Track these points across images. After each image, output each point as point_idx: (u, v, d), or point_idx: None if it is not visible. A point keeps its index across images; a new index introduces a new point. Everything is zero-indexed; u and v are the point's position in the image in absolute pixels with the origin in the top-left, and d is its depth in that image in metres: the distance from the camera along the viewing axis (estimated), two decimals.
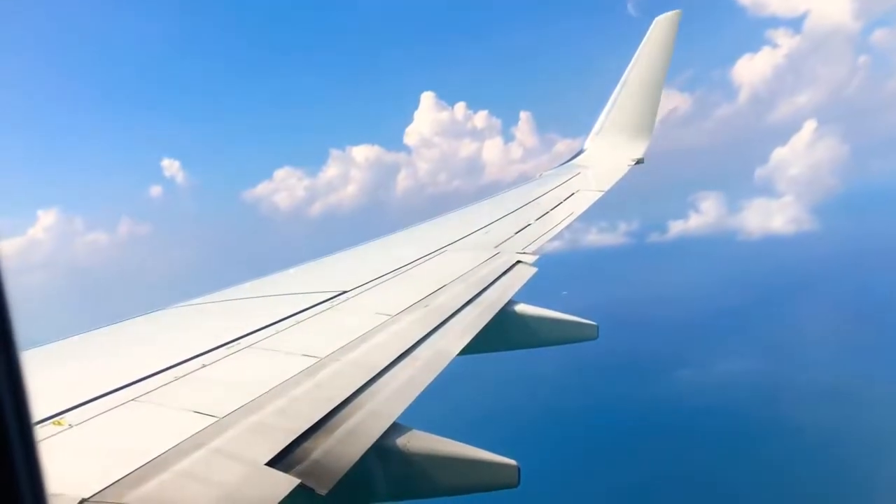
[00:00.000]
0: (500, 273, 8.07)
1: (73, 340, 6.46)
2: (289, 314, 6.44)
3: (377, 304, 6.79)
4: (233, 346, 5.57)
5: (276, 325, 6.15)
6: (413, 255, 8.99)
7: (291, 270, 9.29)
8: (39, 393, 4.72)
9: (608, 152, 16.23)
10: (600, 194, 13.20)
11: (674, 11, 16.01)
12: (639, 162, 15.50)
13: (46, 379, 5.34)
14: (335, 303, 6.88)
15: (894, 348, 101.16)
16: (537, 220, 11.17)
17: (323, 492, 3.63)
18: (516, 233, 10.28)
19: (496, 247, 9.40)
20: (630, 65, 16.32)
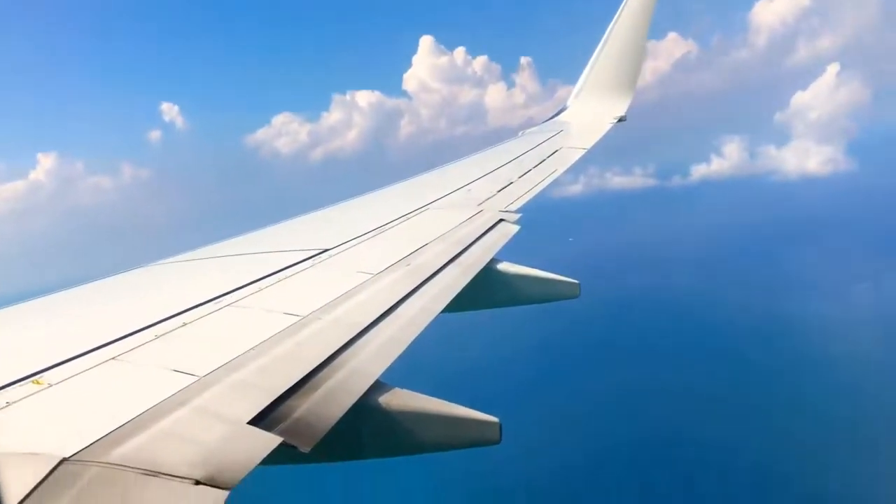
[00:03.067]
0: (482, 232, 8.05)
1: (52, 298, 6.38)
2: (270, 272, 6.40)
3: (359, 263, 6.76)
4: (214, 304, 5.53)
5: (258, 282, 6.11)
6: (395, 213, 8.94)
7: (273, 227, 9.22)
8: (18, 351, 4.68)
9: (591, 110, 16.15)
10: (583, 152, 13.16)
11: None
12: (621, 120, 15.44)
13: (26, 337, 5.29)
14: (317, 261, 6.84)
15: None
16: (520, 177, 11.12)
17: (306, 449, 3.64)
18: (499, 191, 10.24)
19: (479, 205, 9.37)
20: (612, 22, 16.15)
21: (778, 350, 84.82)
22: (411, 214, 8.95)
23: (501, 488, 59.59)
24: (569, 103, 16.76)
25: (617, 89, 16.18)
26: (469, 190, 10.42)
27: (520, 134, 15.80)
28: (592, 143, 13.77)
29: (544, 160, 12.31)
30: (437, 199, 9.84)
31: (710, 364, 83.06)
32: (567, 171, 11.93)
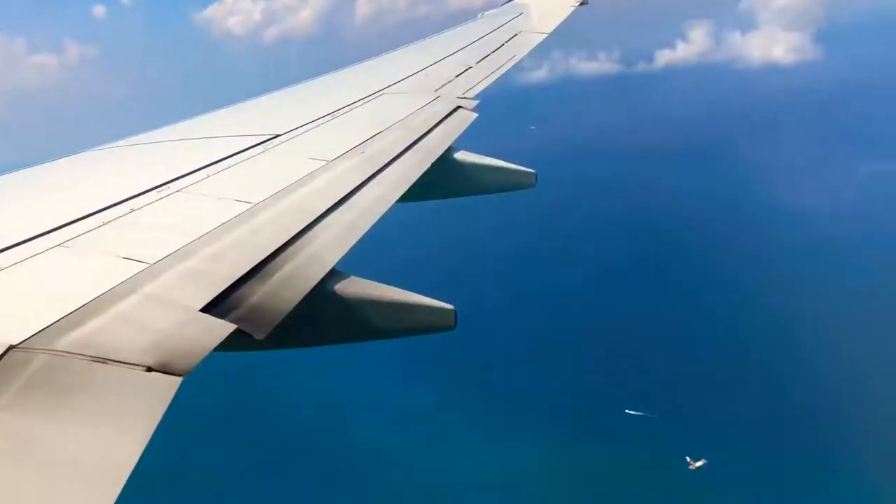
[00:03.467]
0: (439, 119, 7.90)
1: None
2: (220, 157, 6.22)
3: (312, 149, 6.60)
4: (163, 191, 5.37)
5: (208, 168, 5.94)
6: (349, 98, 8.68)
7: (223, 111, 8.91)
8: None
9: None
10: (543, 36, 12.84)
11: None
12: (583, 3, 15.04)
13: None
14: (268, 147, 6.66)
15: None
16: (478, 63, 10.85)
17: (260, 336, 3.64)
18: (457, 76, 10.00)
19: (436, 91, 9.15)
20: None
21: (732, 239, 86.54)
22: (366, 100, 8.72)
23: (452, 379, 61.51)
24: None
25: None
26: (426, 75, 10.15)
27: (479, 16, 15.31)
28: (553, 27, 13.42)
29: (504, 45, 11.99)
30: (392, 84, 9.57)
31: (662, 251, 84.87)
32: (527, 57, 11.67)
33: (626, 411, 55.09)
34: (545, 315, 73.66)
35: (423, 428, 55.65)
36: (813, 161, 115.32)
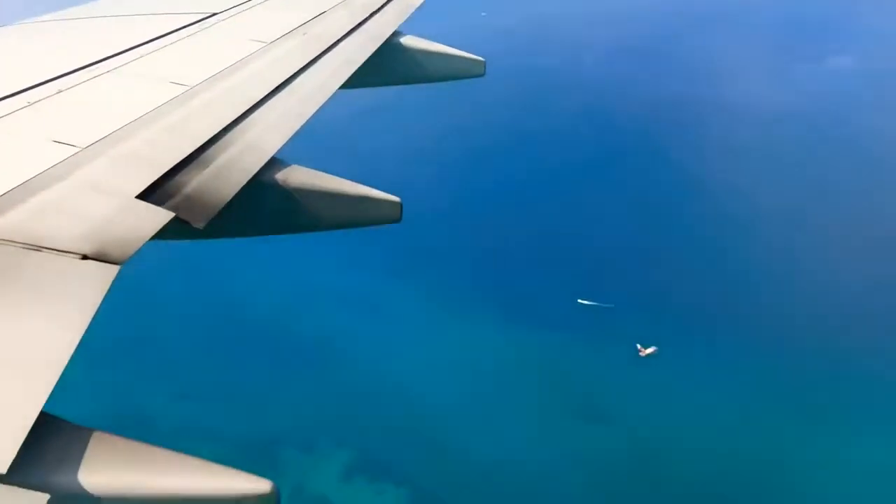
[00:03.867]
0: (384, 1, 7.61)
1: None
2: (154, 36, 5.89)
3: (251, 30, 6.31)
4: (92, 70, 5.09)
5: (140, 48, 5.63)
6: None
7: None
8: None
9: None
10: None
11: None
12: None
13: None
14: (204, 26, 6.33)
15: None
16: None
17: (199, 225, 3.58)
18: None
19: None
20: None
21: (690, 130, 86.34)
22: None
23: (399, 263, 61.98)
24: None
25: None
26: None
27: None
28: None
29: None
30: None
31: (618, 143, 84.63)
32: None
33: (579, 301, 56.46)
34: (494, 209, 73.93)
35: (373, 317, 56.40)
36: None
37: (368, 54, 6.19)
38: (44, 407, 2.33)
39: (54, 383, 2.35)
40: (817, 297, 55.79)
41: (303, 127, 4.74)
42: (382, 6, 7.45)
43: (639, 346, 50.55)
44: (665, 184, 75.54)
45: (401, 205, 4.70)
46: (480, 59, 7.77)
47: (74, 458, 2.60)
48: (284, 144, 4.48)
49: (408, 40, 7.28)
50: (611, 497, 39.98)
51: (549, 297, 59.29)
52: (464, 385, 48.47)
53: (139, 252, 3.21)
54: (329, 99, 5.19)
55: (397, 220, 4.73)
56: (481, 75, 7.79)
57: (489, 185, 79.02)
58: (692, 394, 46.63)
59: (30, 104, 4.45)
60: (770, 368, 48.28)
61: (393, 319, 56.56)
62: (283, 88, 5.14)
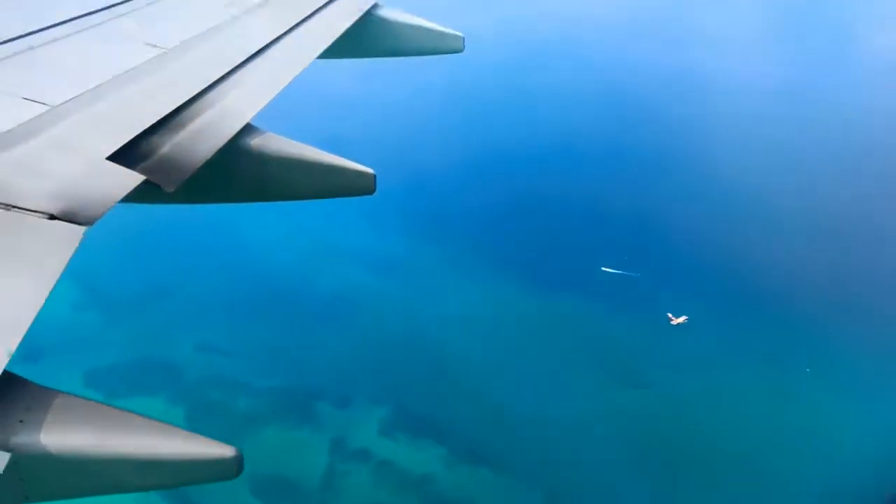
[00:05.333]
0: None
1: None
2: None
3: None
4: (65, 28, 4.98)
5: (115, 8, 5.52)
6: None
7: None
8: None
9: None
10: None
11: None
12: None
13: None
14: None
15: None
16: None
17: (170, 189, 3.55)
18: None
19: None
20: None
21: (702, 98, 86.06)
22: None
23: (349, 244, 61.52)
24: None
25: None
26: None
27: None
28: None
29: None
30: None
31: (630, 115, 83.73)
32: None
33: (603, 269, 56.18)
34: (498, 179, 73.04)
35: (398, 277, 55.82)
36: None
37: (347, 25, 6.15)
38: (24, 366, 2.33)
39: (18, 342, 2.34)
40: (846, 268, 56.22)
41: (279, 94, 4.71)
42: None
43: (670, 314, 50.61)
44: (684, 156, 74.67)
45: (374, 176, 4.70)
46: (459, 34, 7.75)
47: (37, 419, 2.60)
48: (260, 111, 4.45)
49: (388, 13, 7.24)
50: (644, 455, 40.38)
51: (574, 264, 58.90)
52: (495, 343, 48.16)
53: (111, 213, 3.19)
54: (307, 68, 5.15)
55: (371, 191, 4.73)
56: (460, 51, 7.77)
57: (506, 152, 77.82)
58: (725, 361, 47.07)
59: (0, 60, 4.35)
60: (798, 339, 48.75)
61: (419, 280, 55.88)
62: (260, 55, 5.09)
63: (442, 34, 7.70)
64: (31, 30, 4.83)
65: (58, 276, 2.71)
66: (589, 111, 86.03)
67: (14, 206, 2.99)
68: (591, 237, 63.19)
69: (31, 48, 4.59)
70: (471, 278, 56.65)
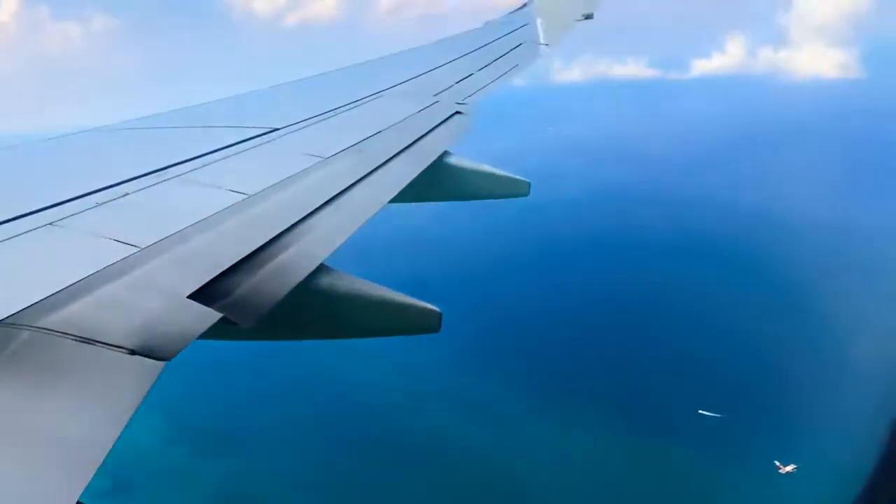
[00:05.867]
0: (436, 123, 7.95)
1: None
2: (218, 147, 6.24)
3: (309, 145, 6.64)
4: (159, 176, 5.39)
5: (205, 157, 5.96)
6: (349, 97, 8.73)
7: (225, 100, 8.95)
8: None
9: (558, 5, 15.76)
10: (547, 48, 12.92)
11: None
12: (588, 17, 15.12)
13: None
14: (266, 140, 6.69)
15: None
16: (480, 70, 10.90)
17: (246, 326, 3.67)
18: (457, 82, 10.05)
19: (435, 95, 9.20)
20: None
21: (758, 264, 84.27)
22: (366, 100, 8.76)
23: (434, 385, 60.90)
24: None
25: None
26: (427, 79, 10.21)
27: (483, 24, 15.37)
28: (557, 38, 13.50)
29: (506, 54, 12.05)
30: (393, 86, 9.61)
31: (667, 273, 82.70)
32: (529, 66, 11.73)
33: (700, 412, 53.61)
34: (586, 318, 72.03)
35: (484, 418, 54.42)
36: (844, 174, 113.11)
37: (417, 172, 6.43)
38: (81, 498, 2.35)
39: (94, 472, 2.39)
40: None
41: (352, 236, 4.90)
42: (434, 128, 7.78)
43: (777, 463, 47.62)
44: (783, 300, 72.12)
45: (440, 315, 4.75)
46: (525, 180, 7.99)
47: None
48: (333, 252, 4.62)
49: (455, 159, 7.55)
50: None
51: (666, 407, 56.60)
52: (588, 492, 45.88)
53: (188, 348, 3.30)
54: (378, 212, 5.38)
55: (436, 330, 4.77)
56: (525, 195, 7.99)
57: (591, 291, 76.87)
58: None
59: (98, 205, 4.71)
60: None
61: (508, 423, 54.55)
62: (335, 200, 5.35)
63: (509, 179, 7.96)
64: (126, 178, 5.23)
65: (133, 410, 2.78)
66: (678, 251, 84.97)
67: (96, 341, 3.13)
68: (684, 379, 60.65)
69: (126, 194, 4.96)
70: (562, 420, 54.74)
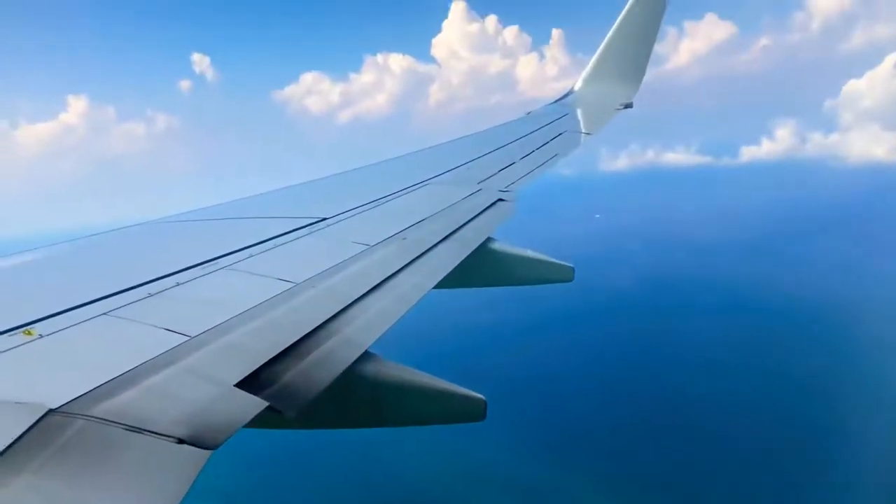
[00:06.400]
0: (479, 210, 8.07)
1: (54, 248, 6.40)
2: (267, 237, 6.42)
3: (356, 234, 6.78)
4: (209, 266, 5.54)
5: (253, 248, 6.12)
6: (396, 186, 8.95)
7: (277, 192, 9.26)
8: (12, 300, 4.71)
9: (598, 95, 16.10)
10: (587, 136, 13.13)
11: None
12: (627, 106, 15.39)
13: (19, 286, 5.30)
14: (314, 229, 6.86)
15: None
16: (522, 158, 11.11)
17: (291, 415, 3.68)
18: (500, 170, 10.24)
19: (478, 183, 9.37)
20: (625, 8, 16.05)
21: (808, 351, 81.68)
22: (412, 189, 8.96)
23: (483, 470, 59.67)
24: (576, 87, 16.70)
25: (625, 76, 16.13)
26: (470, 167, 10.43)
27: (526, 114, 15.74)
28: (597, 128, 13.74)
29: (547, 143, 12.28)
30: (438, 175, 9.84)
31: (714, 368, 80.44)
32: (571, 155, 11.91)
33: None
34: (573, 416, 71.01)
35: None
36: None
37: (461, 259, 6.50)
38: None
39: None
40: None
41: (396, 323, 4.93)
42: (477, 215, 7.89)
43: None
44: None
45: (485, 403, 4.70)
46: (569, 265, 7.99)
47: None
48: (378, 339, 4.65)
49: (499, 246, 7.61)
50: None
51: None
52: None
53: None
54: (422, 298, 5.42)
55: (481, 418, 4.71)
56: (570, 280, 7.97)
57: (569, 394, 75.80)
58: None
59: (150, 295, 4.85)
60: None
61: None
62: (380, 288, 5.42)
63: (553, 265, 7.97)
64: (178, 268, 5.40)
65: (180, 499, 2.79)
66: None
67: (144, 430, 3.17)
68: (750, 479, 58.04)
69: (178, 284, 5.10)
70: None
